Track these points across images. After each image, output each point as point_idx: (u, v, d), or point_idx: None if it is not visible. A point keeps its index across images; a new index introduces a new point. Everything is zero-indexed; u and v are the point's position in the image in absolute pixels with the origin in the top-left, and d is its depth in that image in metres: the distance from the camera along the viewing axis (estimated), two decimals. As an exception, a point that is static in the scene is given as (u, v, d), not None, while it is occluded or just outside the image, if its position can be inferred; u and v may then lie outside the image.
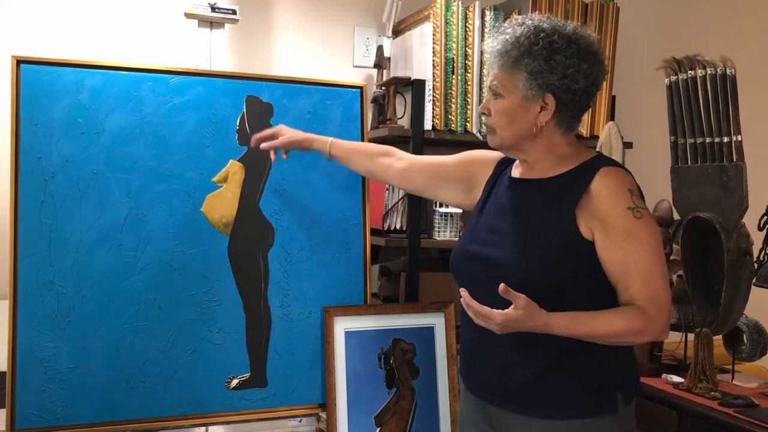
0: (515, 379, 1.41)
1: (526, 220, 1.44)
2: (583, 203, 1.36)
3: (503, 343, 1.39)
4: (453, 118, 2.33)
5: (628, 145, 2.51)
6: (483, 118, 1.51)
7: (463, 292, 1.34)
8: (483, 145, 2.46)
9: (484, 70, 2.35)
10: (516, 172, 1.53)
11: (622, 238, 1.33)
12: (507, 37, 1.39)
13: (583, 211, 1.36)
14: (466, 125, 2.35)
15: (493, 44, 1.42)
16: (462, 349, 1.56)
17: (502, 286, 1.27)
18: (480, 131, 2.36)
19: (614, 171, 1.39)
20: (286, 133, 1.85)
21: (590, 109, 2.46)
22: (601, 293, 1.37)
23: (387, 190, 2.29)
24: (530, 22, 1.39)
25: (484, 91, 2.35)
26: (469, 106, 2.35)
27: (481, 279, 1.40)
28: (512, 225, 1.44)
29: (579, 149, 1.47)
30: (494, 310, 1.29)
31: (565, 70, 1.36)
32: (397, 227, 2.31)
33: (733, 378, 2.17)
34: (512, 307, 1.28)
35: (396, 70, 2.54)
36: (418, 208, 2.24)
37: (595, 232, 1.35)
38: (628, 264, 1.33)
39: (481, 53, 2.34)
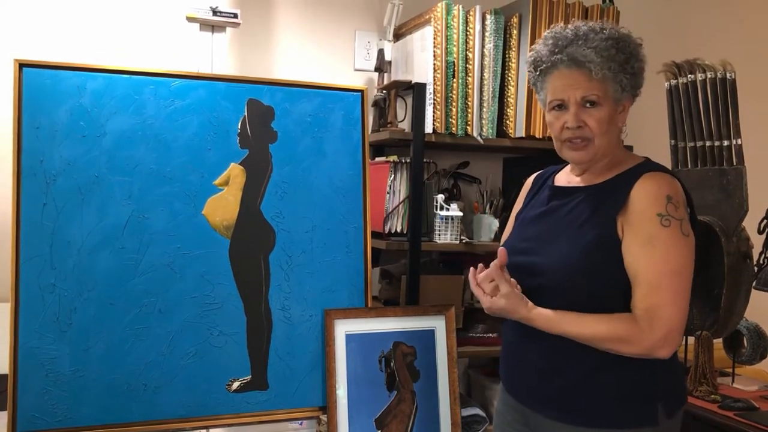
0: (553, 385, 1.41)
1: (569, 226, 1.43)
2: (623, 209, 1.35)
3: (543, 349, 1.40)
4: (454, 121, 2.33)
5: (628, 149, 2.51)
6: (568, 132, 1.41)
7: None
8: (483, 148, 2.47)
9: (484, 74, 2.36)
10: (561, 180, 1.53)
11: (640, 243, 1.31)
12: (603, 43, 1.36)
13: (621, 215, 1.35)
14: (466, 128, 2.36)
15: (586, 50, 1.37)
16: (502, 350, 1.56)
17: (494, 264, 1.37)
18: (480, 134, 2.36)
19: (656, 176, 1.36)
20: None
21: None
22: None
23: (387, 193, 2.29)
24: (602, 31, 1.38)
25: (484, 94, 2.36)
26: (469, 110, 2.35)
27: (534, 289, 1.42)
28: (555, 232, 1.45)
29: (628, 154, 1.47)
30: (484, 295, 1.40)
31: (642, 70, 1.41)
32: (398, 230, 2.31)
33: (733, 381, 2.17)
34: (498, 294, 1.37)
35: (397, 74, 2.54)
36: (419, 211, 2.25)
37: (625, 233, 1.34)
38: (637, 270, 1.31)
39: (482, 57, 2.35)
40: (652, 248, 1.30)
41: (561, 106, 1.41)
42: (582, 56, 1.37)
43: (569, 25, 1.42)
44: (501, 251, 1.41)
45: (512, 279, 1.41)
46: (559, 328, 1.35)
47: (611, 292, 1.35)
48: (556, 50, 1.39)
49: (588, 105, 1.38)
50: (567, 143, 1.42)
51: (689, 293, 1.31)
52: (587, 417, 1.37)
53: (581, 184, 1.47)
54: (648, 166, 1.40)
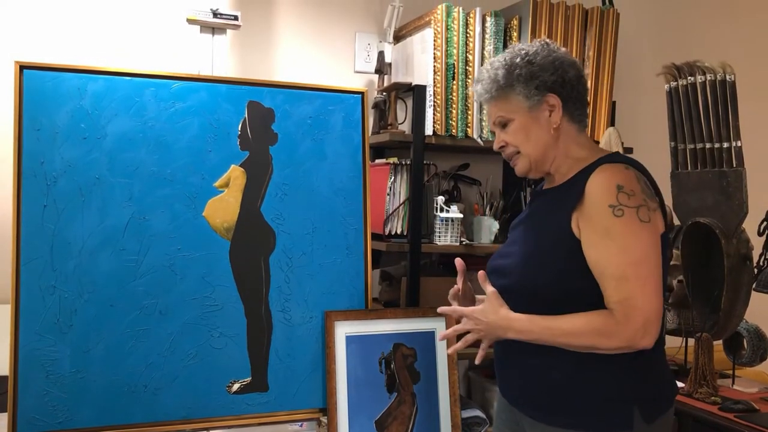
0: (535, 386, 1.42)
1: (533, 228, 1.48)
2: (579, 204, 1.36)
3: (527, 349, 1.40)
4: (454, 123, 2.33)
5: (628, 151, 2.52)
6: (503, 154, 1.52)
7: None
8: (483, 150, 2.48)
9: (484, 76, 2.36)
10: (545, 185, 1.56)
11: (598, 237, 1.31)
12: (488, 74, 1.48)
13: (576, 211, 1.36)
14: (467, 130, 2.36)
15: (480, 87, 1.50)
16: (494, 352, 1.57)
17: (480, 273, 1.45)
18: (480, 136, 2.37)
19: (608, 167, 1.36)
20: None
21: (590, 115, 2.48)
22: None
23: (388, 195, 2.29)
24: (500, 56, 1.50)
25: (484, 96, 2.36)
26: (469, 112, 2.35)
27: (500, 290, 1.45)
28: (523, 235, 1.49)
29: (594, 152, 1.46)
30: (466, 308, 1.47)
31: (551, 65, 1.43)
32: (398, 232, 2.31)
33: (733, 383, 2.17)
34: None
35: (397, 76, 2.54)
36: (419, 212, 2.25)
37: (581, 230, 1.34)
38: (601, 265, 1.31)
39: (482, 59, 2.35)
40: (609, 241, 1.29)
41: (494, 133, 1.54)
42: (478, 94, 1.52)
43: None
44: (458, 262, 1.56)
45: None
46: (539, 330, 1.35)
47: (571, 290, 1.35)
48: (474, 92, 1.57)
49: (502, 126, 1.49)
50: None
51: (659, 279, 1.30)
52: (564, 418, 1.38)
53: (551, 186, 1.51)
54: (605, 159, 1.40)
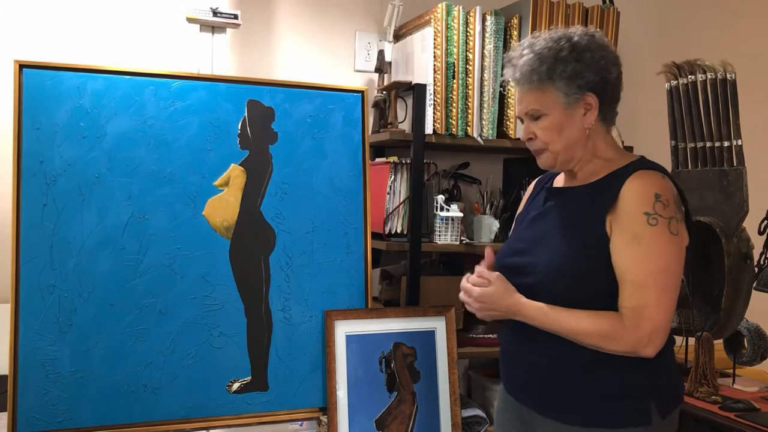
0: (545, 384, 1.41)
1: (559, 226, 1.44)
2: (613, 207, 1.35)
3: (536, 346, 1.40)
4: (454, 122, 2.33)
5: (628, 149, 2.51)
6: (528, 144, 1.47)
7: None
8: (484, 149, 2.47)
9: (485, 75, 2.36)
10: (558, 182, 1.54)
11: (626, 242, 1.31)
12: (527, 58, 1.40)
13: (610, 214, 1.35)
14: (467, 129, 2.36)
15: (515, 71, 1.42)
16: (500, 349, 1.57)
17: (488, 249, 1.47)
18: (480, 135, 2.36)
19: (646, 174, 1.35)
20: None
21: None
22: None
23: (388, 194, 2.29)
24: (540, 37, 1.41)
25: (484, 95, 2.36)
26: (470, 111, 2.35)
27: (521, 289, 1.44)
28: (547, 232, 1.46)
29: (621, 153, 1.45)
30: (473, 286, 1.44)
31: (597, 64, 1.38)
32: (398, 231, 2.31)
33: (734, 382, 2.17)
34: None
35: (397, 75, 2.54)
36: (419, 211, 2.24)
37: (612, 232, 1.34)
38: (623, 268, 1.31)
39: (482, 58, 2.35)
40: (637, 247, 1.29)
41: (522, 120, 1.47)
42: (514, 71, 1.43)
43: (521, 43, 1.46)
44: (488, 252, 1.49)
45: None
46: (547, 320, 1.36)
47: (597, 293, 1.35)
48: (505, 69, 1.48)
49: (534, 118, 1.42)
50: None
51: (676, 292, 1.31)
52: (579, 415, 1.38)
53: (574, 185, 1.48)
54: (639, 164, 1.40)
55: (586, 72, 1.37)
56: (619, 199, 1.34)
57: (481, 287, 1.44)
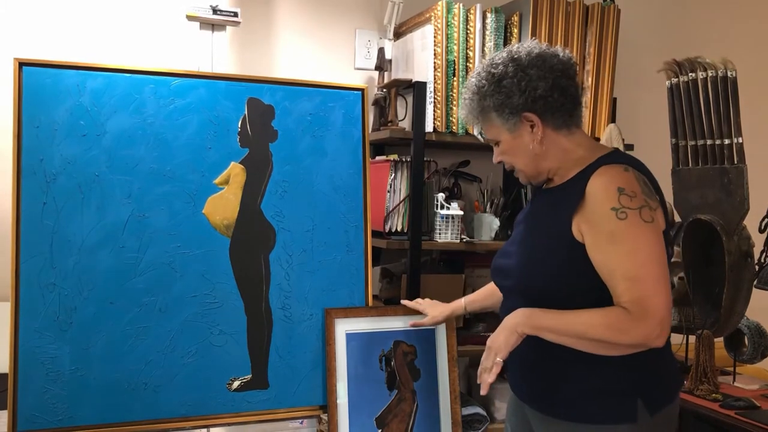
0: (538, 379, 1.44)
1: (533, 228, 1.49)
2: (579, 206, 1.36)
3: (528, 343, 1.40)
4: (454, 120, 2.33)
5: (629, 147, 2.51)
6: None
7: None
8: (484, 147, 2.47)
9: (485, 73, 2.35)
10: (548, 183, 1.56)
11: (605, 241, 1.31)
12: (466, 99, 1.51)
13: (577, 214, 1.36)
14: (467, 127, 2.36)
15: (463, 113, 1.54)
16: None
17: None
18: (480, 133, 2.36)
19: (608, 169, 1.36)
20: (431, 314, 1.89)
21: (591, 111, 2.47)
22: (609, 297, 1.33)
23: (388, 192, 2.29)
24: (474, 73, 1.51)
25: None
26: (470, 109, 2.35)
27: (503, 289, 1.51)
28: (523, 234, 1.51)
29: (593, 151, 1.45)
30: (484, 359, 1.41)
31: (518, 86, 1.41)
32: (399, 229, 2.31)
33: (734, 380, 2.17)
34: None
35: (397, 73, 2.54)
36: (420, 209, 2.25)
37: (585, 234, 1.34)
38: (611, 267, 1.31)
39: (483, 55, 2.35)
40: (617, 244, 1.30)
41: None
42: (462, 115, 1.55)
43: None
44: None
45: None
46: (560, 317, 1.34)
47: (569, 294, 1.36)
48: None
49: (495, 145, 1.52)
50: None
51: (668, 277, 1.31)
52: (567, 410, 1.39)
53: (552, 186, 1.51)
54: (604, 160, 1.40)
55: (509, 99, 1.42)
56: (585, 199, 1.35)
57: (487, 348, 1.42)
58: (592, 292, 1.34)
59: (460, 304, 1.87)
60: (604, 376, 1.37)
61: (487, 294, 1.84)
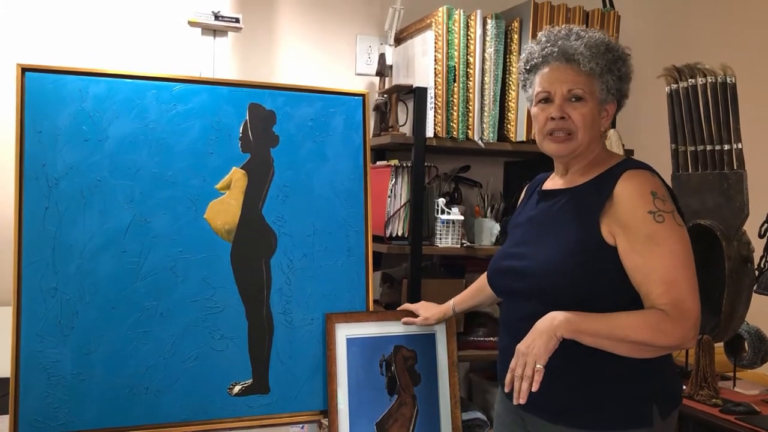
0: (545, 388, 1.38)
1: (552, 229, 1.46)
2: (606, 209, 1.36)
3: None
4: (455, 125, 2.34)
5: (629, 153, 2.52)
6: (552, 123, 1.43)
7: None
8: (484, 152, 2.48)
9: (485, 78, 2.36)
10: (548, 185, 1.56)
11: (642, 243, 1.31)
12: (592, 41, 1.43)
13: (606, 216, 1.36)
14: (467, 132, 2.36)
15: (575, 46, 1.42)
16: (499, 355, 1.57)
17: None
18: (481, 138, 2.37)
19: (637, 174, 1.37)
20: (423, 315, 1.93)
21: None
22: (631, 300, 1.34)
23: (389, 197, 2.30)
24: (595, 33, 1.46)
25: (485, 98, 2.36)
26: (470, 114, 2.36)
27: (514, 291, 1.47)
28: (540, 235, 1.48)
29: (609, 154, 1.49)
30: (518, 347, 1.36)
31: (629, 78, 1.48)
32: (399, 234, 2.31)
33: (734, 385, 2.17)
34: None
35: (398, 78, 2.55)
36: (420, 214, 2.25)
37: (617, 237, 1.34)
38: (648, 270, 1.31)
39: (483, 61, 2.35)
40: (656, 246, 1.30)
41: (547, 100, 1.45)
42: (572, 49, 1.42)
43: (564, 26, 1.49)
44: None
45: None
46: (601, 319, 1.32)
47: (597, 294, 1.36)
48: (549, 44, 1.46)
49: (573, 99, 1.42)
50: (549, 136, 1.45)
51: (697, 281, 1.33)
52: (581, 418, 1.38)
53: (565, 186, 1.49)
54: (627, 164, 1.41)
55: (625, 83, 1.48)
56: (614, 202, 1.35)
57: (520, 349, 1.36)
58: (615, 295, 1.35)
59: (449, 305, 1.90)
60: (619, 383, 1.36)
61: (474, 293, 1.86)
